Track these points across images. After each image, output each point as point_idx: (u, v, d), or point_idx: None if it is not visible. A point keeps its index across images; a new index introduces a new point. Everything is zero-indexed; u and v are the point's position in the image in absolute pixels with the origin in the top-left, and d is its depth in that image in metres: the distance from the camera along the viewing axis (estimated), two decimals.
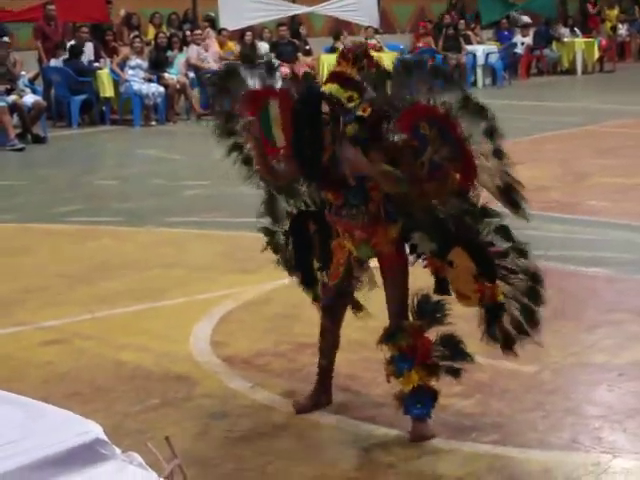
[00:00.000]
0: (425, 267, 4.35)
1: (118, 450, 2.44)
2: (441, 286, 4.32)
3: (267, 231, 5.04)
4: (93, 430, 2.40)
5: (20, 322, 6.07)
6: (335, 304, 4.59)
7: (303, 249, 4.76)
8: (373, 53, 4.39)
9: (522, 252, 4.27)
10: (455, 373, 4.39)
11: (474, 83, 21.64)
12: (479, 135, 4.09)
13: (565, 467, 4.14)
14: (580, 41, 24.77)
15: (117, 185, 10.85)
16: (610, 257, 7.30)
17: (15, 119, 14.28)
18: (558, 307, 6.17)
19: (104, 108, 16.43)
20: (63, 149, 13.85)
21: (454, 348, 4.34)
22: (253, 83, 4.69)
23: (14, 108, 14.11)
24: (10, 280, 7.05)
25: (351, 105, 4.17)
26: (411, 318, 4.36)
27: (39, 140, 14.21)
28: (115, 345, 5.66)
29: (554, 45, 24.53)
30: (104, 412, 4.53)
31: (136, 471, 2.40)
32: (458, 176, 4.13)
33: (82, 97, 15.86)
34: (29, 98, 14.43)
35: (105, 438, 2.40)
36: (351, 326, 4.91)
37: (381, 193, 4.25)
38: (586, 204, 9.26)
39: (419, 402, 4.34)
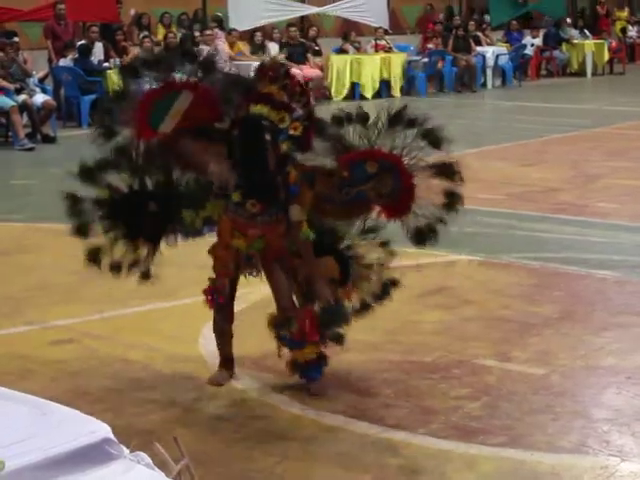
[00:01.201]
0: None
1: (126, 450, 2.44)
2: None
3: (73, 198, 5.22)
4: (102, 429, 2.41)
5: (30, 321, 6.09)
6: (229, 302, 4.98)
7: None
8: (294, 71, 4.81)
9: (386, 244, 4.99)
10: (339, 340, 4.84)
11: (484, 84, 21.63)
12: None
13: (573, 470, 4.13)
14: (590, 43, 24.73)
15: None
16: (620, 260, 7.29)
17: (25, 119, 14.29)
18: (567, 309, 6.18)
19: None
20: (73, 149, 13.82)
21: (336, 314, 4.76)
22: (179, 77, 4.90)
23: (24, 108, 14.12)
24: (20, 279, 7.07)
25: (283, 126, 4.56)
26: (297, 301, 4.83)
27: (49, 140, 14.23)
28: (124, 345, 5.66)
29: (564, 47, 24.50)
30: (113, 412, 4.54)
31: (144, 471, 2.40)
32: (379, 211, 4.73)
33: (92, 97, 15.87)
34: (39, 98, 14.45)
35: (113, 438, 2.40)
36: (359, 327, 4.92)
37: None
38: (596, 206, 9.25)
39: (312, 368, 4.80)
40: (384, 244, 4.95)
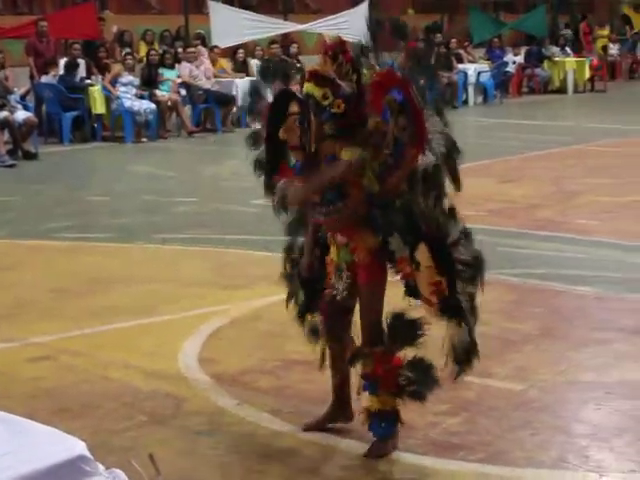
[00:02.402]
0: (397, 273, 4.26)
1: (102, 467, 2.43)
2: (410, 290, 4.26)
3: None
4: (77, 446, 2.40)
5: (8, 338, 6.05)
6: (334, 322, 4.46)
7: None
8: (349, 48, 4.39)
9: (468, 236, 4.25)
10: (420, 397, 4.33)
11: (465, 101, 21.71)
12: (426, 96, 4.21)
13: None
14: (571, 60, 24.89)
15: (108, 201, 10.85)
16: (599, 276, 7.31)
17: (6, 135, 14.28)
18: (546, 325, 6.19)
19: (96, 125, 16.46)
20: (54, 165, 13.84)
21: (422, 374, 4.29)
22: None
23: (5, 124, 14.11)
24: (0, 295, 7.05)
25: (326, 102, 4.15)
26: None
27: (30, 156, 14.21)
28: (103, 362, 5.64)
29: (545, 64, 24.64)
30: (90, 429, 4.52)
31: None
32: (415, 150, 4.13)
33: (74, 113, 15.88)
34: (20, 114, 14.44)
35: (89, 455, 2.40)
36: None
37: (361, 192, 4.17)
38: (575, 222, 9.28)
39: (382, 422, 4.34)
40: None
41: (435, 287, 4.15)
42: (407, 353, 4.33)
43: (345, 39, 4.38)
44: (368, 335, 4.30)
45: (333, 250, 4.36)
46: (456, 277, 4.16)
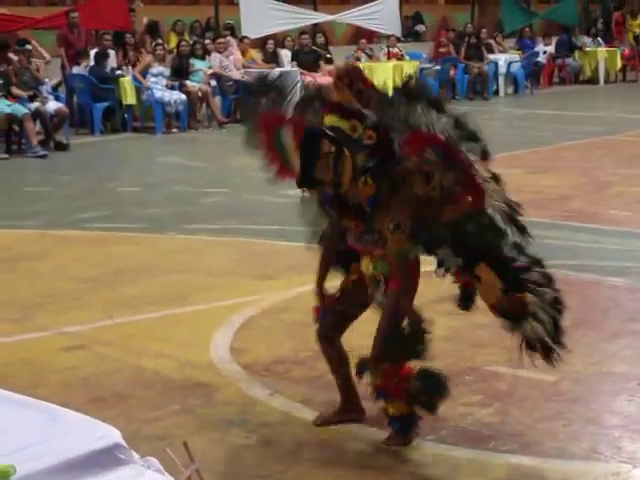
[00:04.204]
0: (454, 282, 4.26)
1: (136, 455, 2.44)
2: (467, 298, 4.25)
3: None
4: (112, 435, 2.41)
5: (41, 327, 6.10)
6: (331, 326, 4.50)
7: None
8: (365, 71, 4.31)
9: (539, 263, 4.22)
10: (431, 408, 4.29)
11: (496, 92, 21.61)
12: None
13: (585, 477, 4.12)
14: (602, 50, 24.70)
15: (138, 192, 10.89)
16: (632, 267, 7.27)
17: (38, 126, 14.35)
18: (579, 316, 6.16)
19: (126, 115, 16.49)
20: (85, 156, 13.91)
21: (433, 383, 4.25)
22: (266, 105, 4.61)
23: (37, 115, 14.17)
24: (32, 285, 7.09)
25: (356, 135, 4.10)
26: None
27: (61, 147, 14.27)
28: (135, 351, 5.67)
29: (576, 54, 24.47)
30: (124, 418, 4.55)
31: (154, 476, 2.40)
32: (470, 199, 4.10)
33: (104, 104, 15.92)
34: (52, 105, 14.50)
35: (123, 443, 2.41)
36: (370, 333, 4.90)
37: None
38: (607, 213, 9.23)
39: (400, 422, 4.35)
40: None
41: (510, 306, 4.13)
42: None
43: (358, 66, 4.37)
44: (379, 347, 4.25)
45: (366, 263, 4.33)
46: (533, 294, 4.12)
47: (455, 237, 4.13)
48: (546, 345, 4.21)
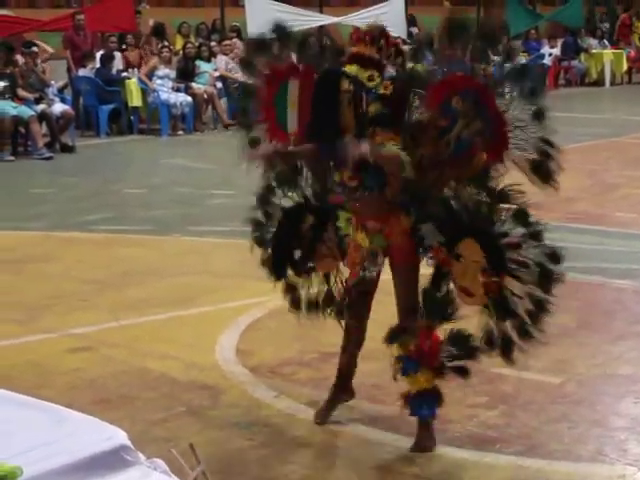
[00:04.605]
0: (430, 259, 4.26)
1: (142, 457, 2.45)
2: (437, 280, 4.24)
3: (257, 222, 5.00)
4: (118, 436, 2.42)
5: (47, 329, 6.11)
6: (357, 303, 4.51)
7: (285, 240, 4.81)
8: (391, 33, 4.35)
9: (537, 236, 4.17)
10: (463, 373, 4.31)
11: None
12: (521, 97, 4.09)
13: (590, 479, 4.12)
14: (608, 52, 24.67)
15: (144, 194, 10.90)
16: (637, 269, 7.26)
17: (44, 128, 14.37)
18: (584, 318, 6.16)
19: (132, 117, 16.50)
20: (91, 158, 13.92)
21: (463, 346, 4.23)
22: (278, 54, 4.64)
23: (43, 117, 14.19)
24: (38, 287, 7.10)
25: (372, 84, 4.14)
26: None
27: (67, 149, 14.28)
28: (141, 353, 5.68)
29: (582, 56, 24.45)
30: (130, 419, 4.55)
31: (160, 478, 2.41)
32: (485, 155, 4.07)
33: (110, 106, 15.93)
34: (58, 107, 14.51)
35: (130, 444, 2.41)
36: (375, 335, 4.90)
37: (400, 182, 4.15)
38: (613, 216, 9.22)
39: (424, 403, 4.32)
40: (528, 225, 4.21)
41: (486, 287, 4.10)
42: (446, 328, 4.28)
43: (382, 25, 4.33)
44: (406, 313, 4.27)
45: (362, 237, 4.34)
46: (513, 278, 4.09)
47: (447, 213, 4.13)
48: (509, 341, 4.17)
